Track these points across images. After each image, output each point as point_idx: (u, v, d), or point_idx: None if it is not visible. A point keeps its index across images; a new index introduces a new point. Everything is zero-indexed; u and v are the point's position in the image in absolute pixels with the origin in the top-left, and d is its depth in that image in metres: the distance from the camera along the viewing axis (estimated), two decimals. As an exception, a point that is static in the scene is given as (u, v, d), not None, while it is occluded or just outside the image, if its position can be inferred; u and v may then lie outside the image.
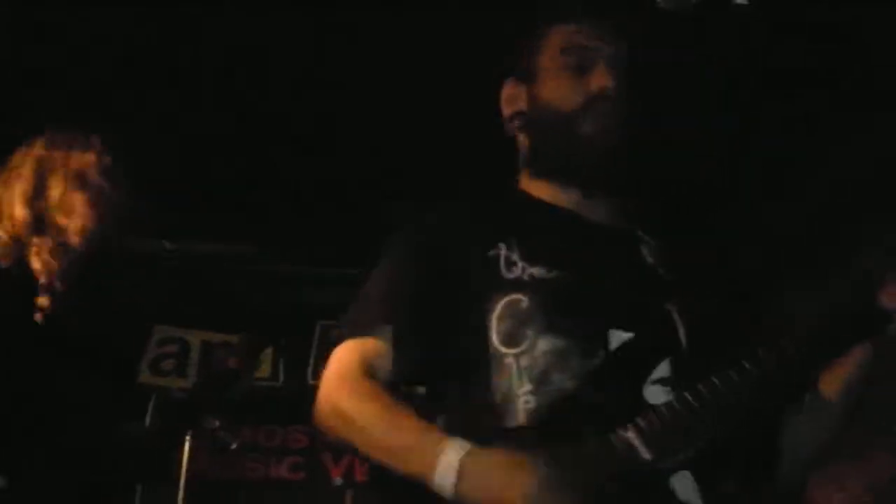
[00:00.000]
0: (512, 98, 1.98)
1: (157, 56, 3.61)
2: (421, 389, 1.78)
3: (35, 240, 2.41)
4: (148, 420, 3.89)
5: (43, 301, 2.39)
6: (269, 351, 4.67)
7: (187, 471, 4.05)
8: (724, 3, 2.13)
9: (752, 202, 4.20)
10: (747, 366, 1.64)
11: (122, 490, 2.65)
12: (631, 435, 1.60)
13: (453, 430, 1.64)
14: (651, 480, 1.61)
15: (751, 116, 3.73)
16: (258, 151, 4.16)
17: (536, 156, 1.93)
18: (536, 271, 1.75)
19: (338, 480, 5.07)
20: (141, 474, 2.73)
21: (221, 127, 3.96)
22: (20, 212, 2.41)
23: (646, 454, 1.59)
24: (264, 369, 4.90)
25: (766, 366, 1.64)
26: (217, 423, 3.56)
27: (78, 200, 2.44)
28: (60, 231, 2.41)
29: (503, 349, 1.71)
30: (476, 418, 1.68)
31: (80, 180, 2.45)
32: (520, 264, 1.77)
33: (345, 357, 1.76)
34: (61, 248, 2.41)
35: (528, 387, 1.67)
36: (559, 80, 1.89)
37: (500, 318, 1.72)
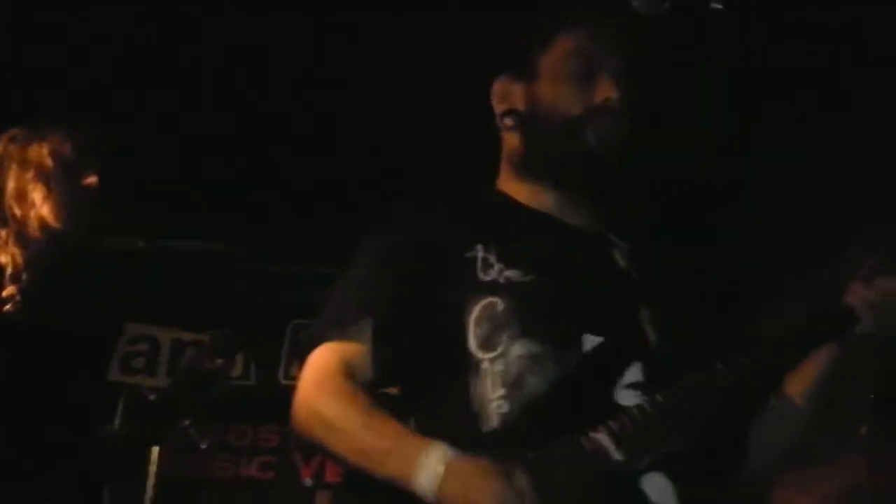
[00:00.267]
0: (506, 94, 1.95)
1: (148, 55, 3.60)
2: (396, 391, 1.77)
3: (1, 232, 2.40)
4: (117, 419, 3.85)
5: (10, 291, 2.37)
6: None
7: (156, 469, 4.03)
8: (700, 6, 2.15)
9: (728, 206, 4.24)
10: (718, 367, 1.66)
11: (92, 490, 2.63)
12: (602, 436, 1.61)
13: (426, 432, 1.65)
14: (623, 481, 1.62)
15: (735, 119, 3.75)
16: (232, 150, 4.15)
17: (529, 157, 1.91)
18: (512, 274, 1.76)
19: (308, 481, 5.07)
20: (111, 475, 2.71)
21: (195, 123, 3.94)
22: None
23: (617, 455, 1.60)
24: (236, 368, 4.88)
25: (736, 367, 1.67)
26: (187, 422, 3.54)
27: (35, 192, 2.43)
28: (19, 222, 2.41)
29: (479, 353, 1.71)
30: (450, 421, 1.69)
31: (37, 172, 2.45)
32: (496, 266, 1.77)
33: (322, 359, 1.75)
34: (21, 239, 2.41)
35: (501, 391, 1.68)
36: (563, 85, 1.87)
37: (476, 322, 1.72)
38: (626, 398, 1.68)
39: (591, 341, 1.72)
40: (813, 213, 4.17)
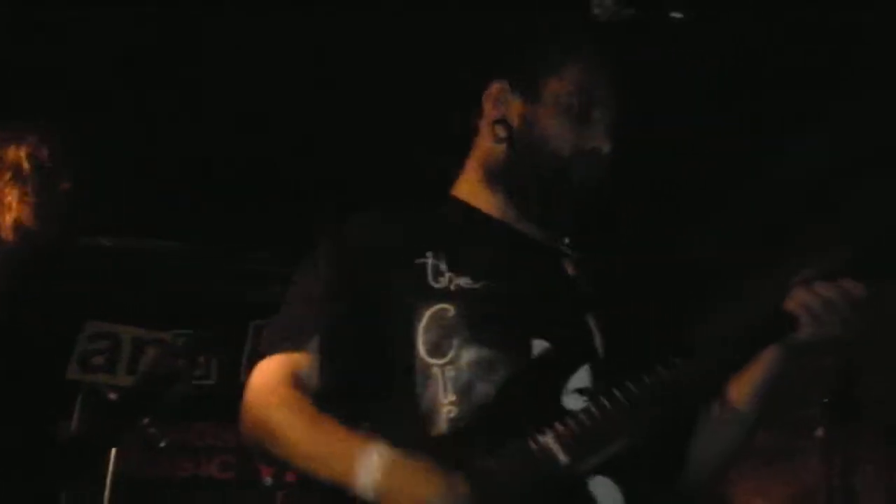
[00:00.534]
0: (502, 102, 1.93)
1: (110, 52, 3.59)
2: (347, 399, 1.77)
3: None
4: (75, 417, 3.83)
5: None
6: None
7: (114, 469, 4.00)
8: (660, 14, 2.17)
9: (675, 213, 4.28)
10: (662, 373, 1.68)
11: (48, 491, 2.61)
12: (549, 440, 1.63)
13: (375, 437, 1.65)
14: (569, 484, 1.64)
15: (686, 125, 3.80)
16: (196, 150, 4.13)
17: (511, 175, 1.91)
18: (463, 281, 1.77)
19: (268, 480, 5.04)
20: (69, 476, 2.69)
21: (159, 123, 3.93)
22: None
23: (563, 458, 1.62)
24: (199, 368, 4.85)
25: (681, 371, 1.69)
26: (146, 421, 3.52)
27: (11, 195, 2.41)
28: None
29: (429, 360, 1.72)
30: (399, 427, 1.70)
31: (13, 174, 2.42)
32: (447, 274, 1.78)
33: (269, 370, 1.76)
34: None
35: (452, 397, 1.69)
36: (562, 120, 1.87)
37: (426, 329, 1.73)
38: (573, 402, 1.70)
39: (539, 346, 1.74)
40: (754, 221, 4.23)
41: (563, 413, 1.66)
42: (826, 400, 3.70)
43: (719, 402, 1.86)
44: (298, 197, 4.29)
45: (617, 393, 1.67)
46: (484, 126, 1.94)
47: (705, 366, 1.73)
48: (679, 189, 4.18)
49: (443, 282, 1.77)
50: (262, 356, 1.78)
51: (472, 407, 1.68)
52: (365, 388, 1.76)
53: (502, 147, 1.91)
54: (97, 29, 3.44)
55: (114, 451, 4.00)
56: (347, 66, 3.67)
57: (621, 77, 1.92)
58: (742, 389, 1.84)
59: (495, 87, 1.94)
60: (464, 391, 1.69)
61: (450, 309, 1.74)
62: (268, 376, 1.75)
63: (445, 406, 1.69)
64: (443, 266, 1.79)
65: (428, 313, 1.74)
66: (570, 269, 1.90)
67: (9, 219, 2.40)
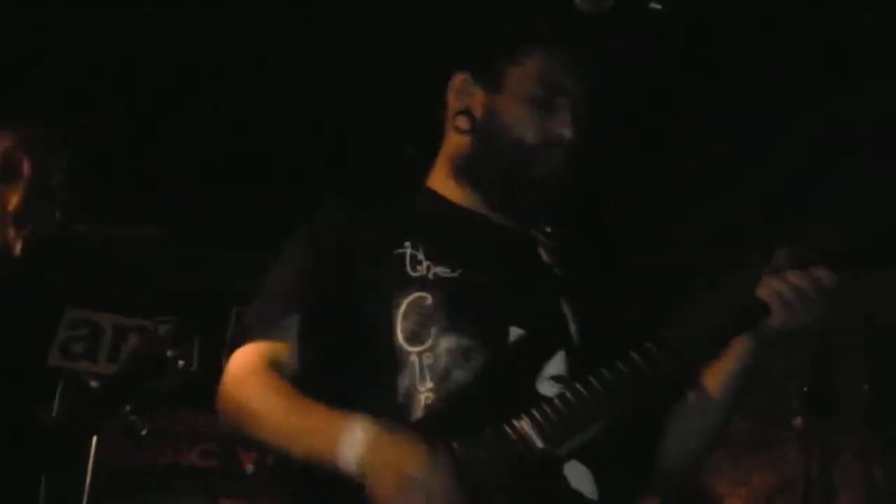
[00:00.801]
0: (464, 94, 1.94)
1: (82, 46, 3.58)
2: (324, 386, 1.78)
3: None
4: (56, 405, 3.81)
5: None
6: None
7: (95, 456, 3.98)
8: (640, 5, 2.17)
9: (654, 202, 4.30)
10: (636, 360, 1.70)
11: (29, 479, 2.60)
12: (524, 425, 1.65)
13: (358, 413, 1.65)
14: (544, 469, 1.66)
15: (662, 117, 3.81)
16: (170, 135, 4.13)
17: (474, 167, 1.92)
18: (441, 270, 1.78)
19: (250, 468, 5.05)
20: (50, 465, 2.69)
21: (138, 112, 3.93)
22: None
23: (539, 443, 1.64)
24: (189, 359, 4.84)
25: (655, 358, 1.70)
26: (127, 408, 3.50)
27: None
28: None
29: (407, 347, 1.73)
30: (376, 414, 1.68)
31: (5, 168, 2.42)
32: (425, 263, 1.79)
33: (247, 356, 1.76)
34: None
35: (429, 384, 1.70)
36: (524, 109, 1.88)
37: (404, 316, 1.74)
38: (548, 389, 1.72)
39: (516, 333, 1.76)
40: (728, 213, 4.25)
41: (539, 399, 1.68)
42: (805, 390, 3.73)
43: (694, 391, 1.88)
44: (280, 184, 4.29)
45: (592, 379, 1.68)
46: (448, 118, 1.95)
47: (680, 354, 1.74)
48: (660, 182, 4.19)
49: (421, 270, 1.78)
50: (239, 344, 1.78)
51: (450, 394, 1.69)
52: (342, 375, 1.77)
53: (467, 139, 1.92)
54: (97, 29, 3.44)
55: (94, 438, 3.99)
56: (324, 56, 3.67)
57: (584, 64, 1.93)
58: (715, 378, 1.85)
59: (458, 78, 1.95)
60: (441, 378, 1.70)
61: (428, 297, 1.75)
62: (245, 362, 1.75)
63: (423, 393, 1.70)
64: (420, 255, 1.80)
65: (406, 301, 1.75)
66: (545, 257, 1.92)
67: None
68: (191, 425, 5.13)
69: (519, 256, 1.89)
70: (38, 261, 2.67)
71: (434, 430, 1.64)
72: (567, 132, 1.86)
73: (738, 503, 4.69)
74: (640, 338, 1.72)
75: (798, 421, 3.86)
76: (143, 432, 3.82)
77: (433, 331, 1.73)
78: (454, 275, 1.78)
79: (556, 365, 1.76)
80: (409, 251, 1.80)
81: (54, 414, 3.52)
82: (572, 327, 1.82)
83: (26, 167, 2.45)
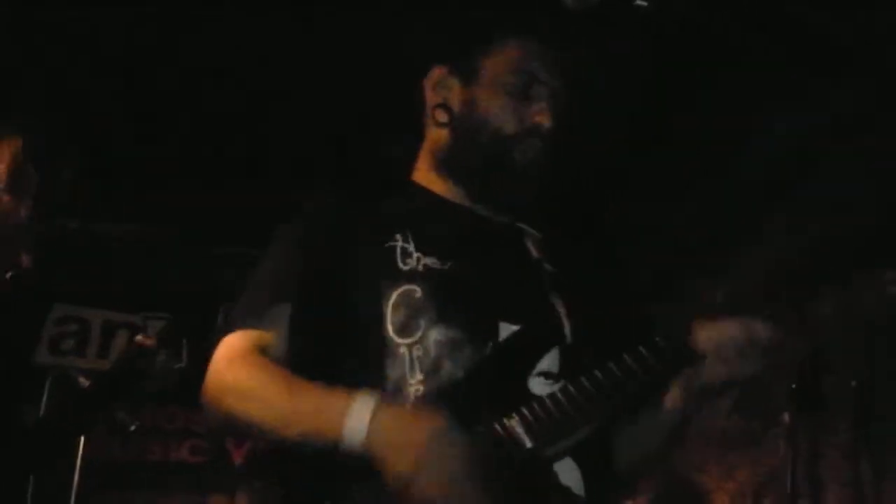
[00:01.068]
0: (441, 86, 1.94)
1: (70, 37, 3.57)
2: (312, 376, 1.77)
3: None
4: (44, 401, 3.80)
5: None
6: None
7: (84, 452, 3.98)
8: (625, 2, 2.18)
9: (645, 199, 4.31)
10: (629, 361, 1.70)
11: (18, 475, 2.59)
12: (514, 423, 1.65)
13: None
14: (533, 467, 1.66)
15: (655, 115, 3.81)
16: (164, 131, 4.12)
17: (454, 159, 1.92)
18: (430, 262, 1.78)
19: (239, 464, 5.05)
20: (38, 464, 2.68)
21: (127, 108, 3.92)
22: None
23: (528, 442, 1.64)
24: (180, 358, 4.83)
25: (648, 362, 1.70)
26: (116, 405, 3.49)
27: None
28: None
29: (397, 339, 1.73)
30: None
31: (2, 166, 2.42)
32: (415, 255, 1.79)
33: (234, 343, 1.75)
34: None
35: (419, 376, 1.70)
36: (502, 99, 1.87)
37: (394, 308, 1.74)
38: (539, 386, 1.72)
39: (506, 329, 1.75)
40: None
41: (530, 397, 1.68)
42: (793, 386, 3.74)
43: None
44: (268, 180, 4.28)
45: (584, 381, 1.68)
46: (427, 112, 1.95)
47: (673, 358, 1.74)
48: (649, 178, 4.20)
49: (411, 263, 1.78)
50: (226, 332, 1.77)
51: (439, 386, 1.69)
52: (331, 366, 1.76)
53: (446, 131, 1.92)
54: (97, 29, 3.43)
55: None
56: (307, 52, 3.67)
57: (560, 53, 1.92)
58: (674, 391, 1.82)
59: (436, 72, 1.95)
60: (431, 370, 1.70)
61: (417, 290, 1.75)
62: (234, 348, 1.74)
63: (413, 385, 1.70)
64: (411, 248, 1.80)
65: (396, 293, 1.75)
66: (534, 251, 1.92)
67: None
68: (181, 422, 5.13)
69: (507, 249, 1.89)
70: (28, 256, 2.66)
71: None
72: (545, 120, 1.86)
73: (725, 498, 4.70)
74: (631, 336, 1.72)
75: (785, 417, 3.87)
76: (132, 428, 3.81)
77: (423, 323, 1.73)
78: (444, 267, 1.78)
79: (548, 362, 1.76)
80: (399, 244, 1.80)
81: (42, 411, 3.52)
82: (566, 325, 1.81)
83: (36, 182, 2.45)
